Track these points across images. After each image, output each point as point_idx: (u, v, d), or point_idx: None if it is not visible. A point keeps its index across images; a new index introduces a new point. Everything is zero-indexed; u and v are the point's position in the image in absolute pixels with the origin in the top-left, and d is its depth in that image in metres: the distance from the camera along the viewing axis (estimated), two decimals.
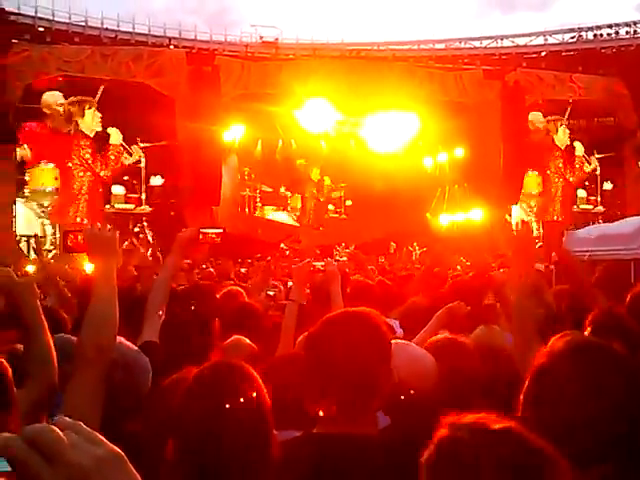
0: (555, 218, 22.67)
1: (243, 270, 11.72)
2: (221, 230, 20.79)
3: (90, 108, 18.90)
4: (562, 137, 23.17)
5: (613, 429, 1.64)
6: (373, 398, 2.13)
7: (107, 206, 19.79)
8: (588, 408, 1.71)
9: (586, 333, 2.89)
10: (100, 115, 19.05)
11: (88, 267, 11.34)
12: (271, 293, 7.02)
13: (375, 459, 2.00)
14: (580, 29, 32.46)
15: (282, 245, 23.32)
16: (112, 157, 19.01)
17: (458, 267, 9.56)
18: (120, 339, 2.72)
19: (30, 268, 7.02)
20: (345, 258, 19.14)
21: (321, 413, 2.08)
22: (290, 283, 6.68)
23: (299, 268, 4.67)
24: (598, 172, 23.65)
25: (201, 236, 6.33)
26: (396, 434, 2.29)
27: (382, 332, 2.20)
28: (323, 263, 5.04)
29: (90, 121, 18.82)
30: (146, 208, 20.80)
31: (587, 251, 6.29)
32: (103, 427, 2.38)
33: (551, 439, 1.36)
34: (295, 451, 2.02)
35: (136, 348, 2.79)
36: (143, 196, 20.94)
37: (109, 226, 2.71)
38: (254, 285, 7.10)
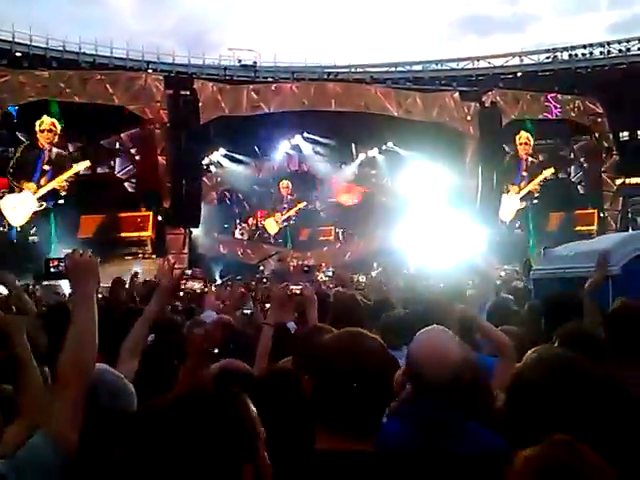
0: None
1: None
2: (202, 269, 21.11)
3: None
4: None
5: (583, 429, 1.75)
6: (382, 410, 2.16)
7: None
8: (559, 413, 1.88)
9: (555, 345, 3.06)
10: None
11: (67, 290, 11.28)
12: (247, 312, 7.01)
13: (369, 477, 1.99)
14: (555, 50, 32.80)
15: (260, 266, 23.33)
16: None
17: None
18: (105, 366, 2.74)
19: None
20: (329, 276, 19.37)
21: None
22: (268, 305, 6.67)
23: (276, 292, 4.69)
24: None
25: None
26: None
27: (384, 348, 2.22)
28: (301, 287, 5.07)
29: None
30: None
31: (564, 268, 6.34)
32: (92, 454, 2.38)
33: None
34: (293, 467, 2.00)
35: (121, 375, 2.79)
36: None
37: (90, 251, 2.74)
38: (230, 306, 7.00)
